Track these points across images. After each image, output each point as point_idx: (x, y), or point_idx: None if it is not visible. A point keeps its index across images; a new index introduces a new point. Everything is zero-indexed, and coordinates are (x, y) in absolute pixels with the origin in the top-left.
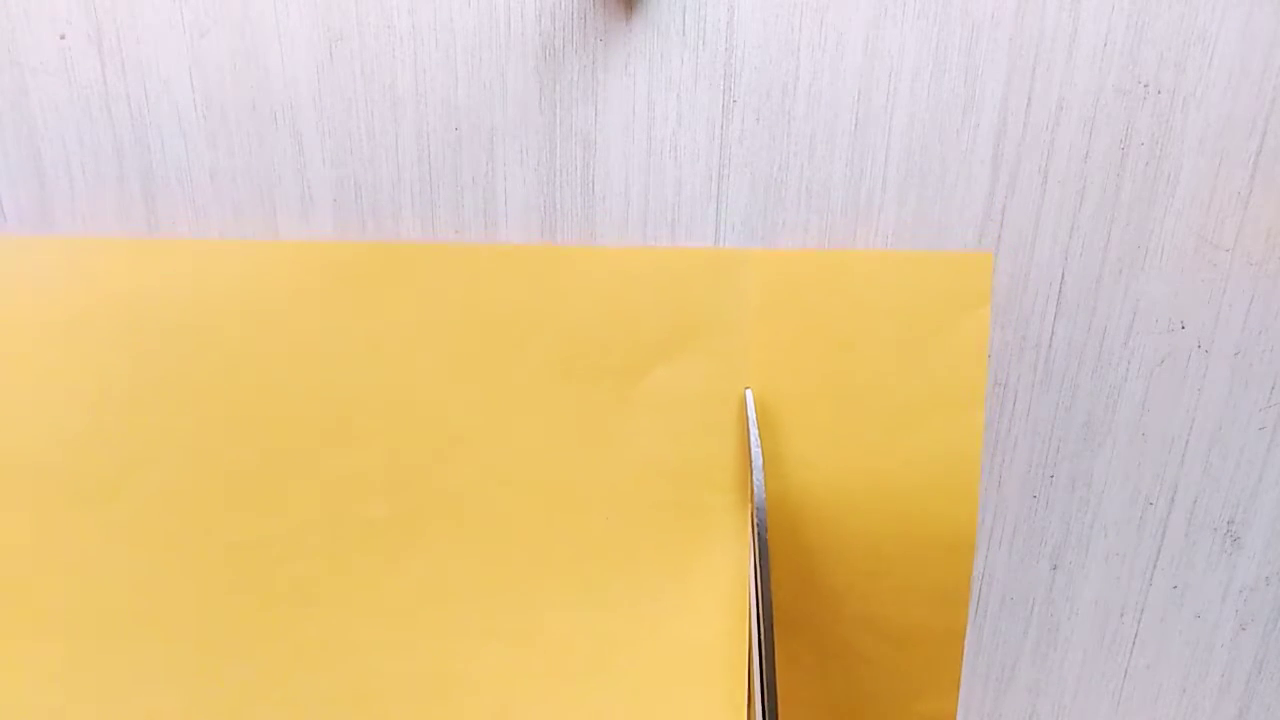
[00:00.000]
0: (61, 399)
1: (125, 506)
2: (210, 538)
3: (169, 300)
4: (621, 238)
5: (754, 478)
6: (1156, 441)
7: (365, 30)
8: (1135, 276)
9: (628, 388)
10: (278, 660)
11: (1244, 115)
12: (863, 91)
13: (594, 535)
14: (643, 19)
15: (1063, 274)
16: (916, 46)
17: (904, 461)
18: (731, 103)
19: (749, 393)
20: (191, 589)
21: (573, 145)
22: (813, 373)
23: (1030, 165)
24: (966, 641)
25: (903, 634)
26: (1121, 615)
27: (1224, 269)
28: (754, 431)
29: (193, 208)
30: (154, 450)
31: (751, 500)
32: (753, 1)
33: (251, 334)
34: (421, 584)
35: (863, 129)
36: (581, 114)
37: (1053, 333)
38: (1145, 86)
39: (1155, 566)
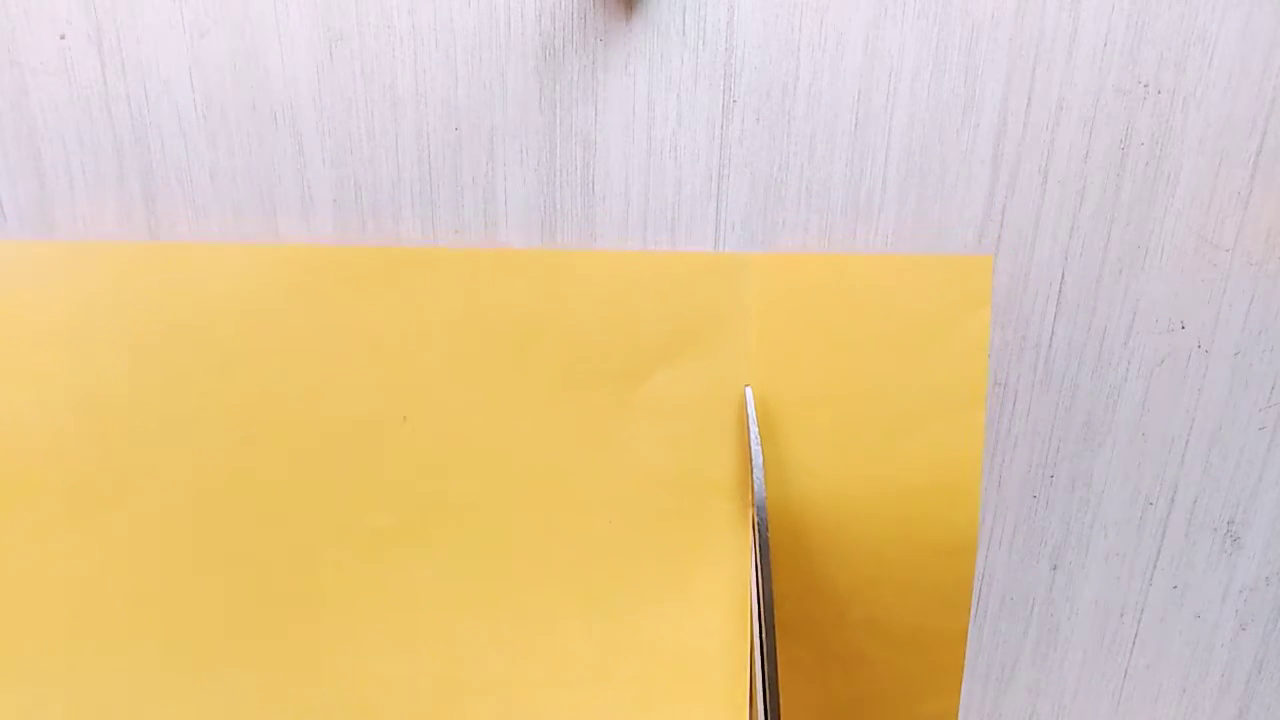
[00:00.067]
0: (62, 404)
1: (125, 512)
2: (210, 543)
3: (170, 306)
4: (621, 238)
5: (754, 477)
6: (1156, 441)
7: (365, 30)
8: (1135, 276)
9: (628, 392)
10: (279, 667)
11: (1244, 115)
12: (863, 91)
13: (596, 541)
14: (643, 19)
15: (1063, 274)
16: (916, 46)
17: (905, 464)
18: (731, 103)
19: (749, 392)
20: (192, 595)
21: (573, 145)
22: (813, 376)
23: (1030, 165)
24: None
25: (904, 636)
26: (1121, 615)
27: (1224, 269)
28: (754, 432)
29: (193, 208)
30: (154, 456)
31: (752, 501)
32: (753, 1)
33: (252, 339)
34: (422, 590)
35: (863, 129)
36: (581, 114)
37: (1053, 333)
38: (1145, 86)
39: (1155, 566)
